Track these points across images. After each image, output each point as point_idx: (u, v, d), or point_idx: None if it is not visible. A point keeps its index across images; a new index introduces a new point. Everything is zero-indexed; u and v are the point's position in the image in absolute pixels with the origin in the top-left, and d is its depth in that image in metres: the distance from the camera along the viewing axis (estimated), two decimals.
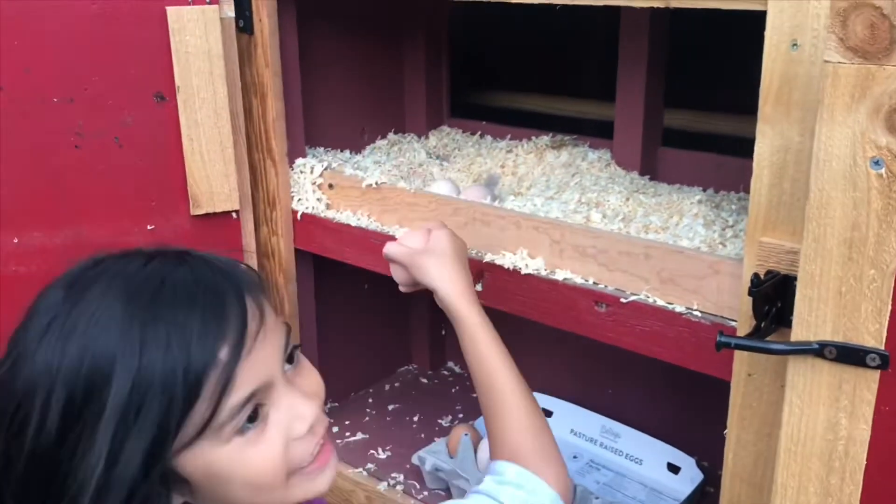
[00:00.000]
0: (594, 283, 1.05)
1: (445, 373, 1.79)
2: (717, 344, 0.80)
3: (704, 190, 1.27)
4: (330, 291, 1.54)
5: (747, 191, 0.86)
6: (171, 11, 1.19)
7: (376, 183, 1.28)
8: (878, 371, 0.71)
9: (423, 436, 1.54)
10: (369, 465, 1.46)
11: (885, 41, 0.64)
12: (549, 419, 1.53)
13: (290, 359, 0.71)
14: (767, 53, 0.80)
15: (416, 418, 1.61)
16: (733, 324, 0.92)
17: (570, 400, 1.53)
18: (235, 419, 0.63)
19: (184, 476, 0.64)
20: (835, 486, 0.75)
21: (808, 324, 0.74)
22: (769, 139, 0.82)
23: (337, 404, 1.65)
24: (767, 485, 0.89)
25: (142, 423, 0.58)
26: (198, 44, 1.22)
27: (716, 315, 0.95)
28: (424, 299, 1.72)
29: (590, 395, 1.54)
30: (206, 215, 1.29)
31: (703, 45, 1.48)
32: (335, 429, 1.57)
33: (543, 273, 1.09)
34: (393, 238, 1.24)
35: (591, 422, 1.49)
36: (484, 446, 1.33)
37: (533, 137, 1.53)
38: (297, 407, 0.68)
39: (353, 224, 1.30)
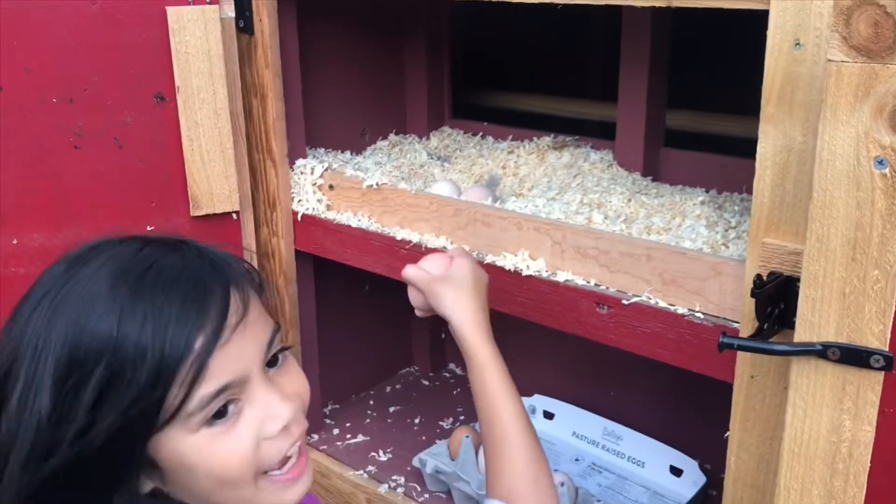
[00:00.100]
0: (596, 284, 1.05)
1: (446, 375, 1.78)
2: (720, 345, 0.79)
3: (707, 191, 1.27)
4: (330, 293, 1.54)
5: (750, 192, 0.85)
6: (172, 12, 1.19)
7: (377, 184, 1.27)
8: (882, 372, 0.70)
9: (423, 438, 1.54)
10: (370, 468, 1.45)
11: (889, 40, 0.64)
12: (550, 421, 1.53)
13: (275, 359, 0.71)
14: (770, 53, 0.79)
15: (416, 420, 1.60)
16: (736, 325, 0.91)
17: (572, 402, 1.53)
18: (205, 410, 0.64)
19: (154, 460, 0.65)
20: (838, 489, 0.75)
21: (811, 325, 0.73)
22: (772, 139, 0.81)
23: (338, 406, 1.65)
24: (770, 488, 0.89)
25: (115, 399, 0.60)
26: (198, 44, 1.21)
27: (718, 317, 0.94)
28: None
29: (592, 397, 1.54)
30: (207, 216, 1.28)
31: (706, 46, 1.48)
32: (335, 431, 1.56)
33: (545, 274, 1.08)
34: (394, 240, 1.24)
35: (593, 424, 1.49)
36: None
37: (534, 138, 1.52)
38: (273, 406, 0.68)
39: (354, 225, 1.30)
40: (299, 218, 1.37)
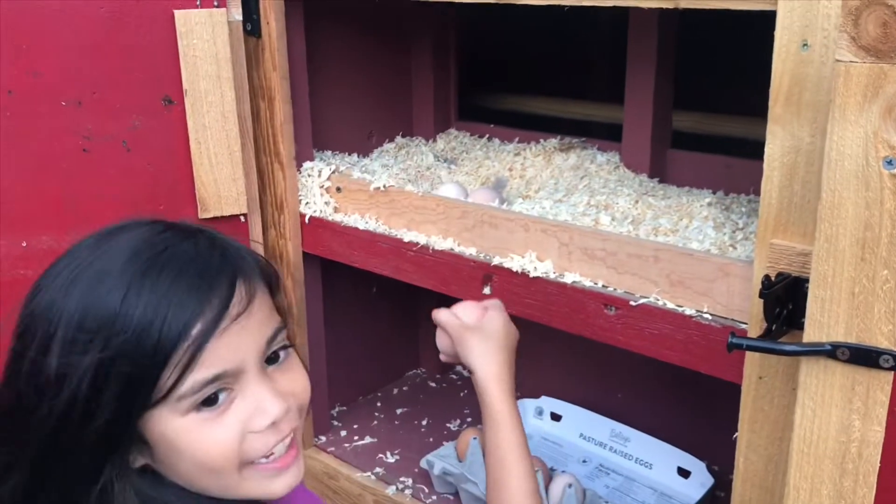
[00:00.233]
0: (603, 286, 1.05)
1: (454, 377, 1.78)
2: (729, 345, 0.79)
3: (714, 192, 1.27)
4: (338, 295, 1.54)
5: (757, 193, 0.85)
6: (179, 15, 1.20)
7: (384, 186, 1.28)
8: (892, 372, 0.70)
9: (431, 440, 1.54)
10: (378, 469, 1.45)
11: None
12: (558, 423, 1.53)
13: (276, 356, 0.72)
14: (777, 54, 0.80)
15: (424, 422, 1.60)
16: (744, 326, 0.91)
17: (580, 404, 1.53)
18: (196, 395, 0.65)
19: (145, 437, 0.67)
20: (848, 489, 0.75)
21: (820, 325, 0.73)
22: (779, 140, 0.81)
23: (345, 408, 1.65)
24: (779, 488, 0.89)
25: (112, 370, 0.63)
26: (205, 47, 1.22)
27: (726, 318, 0.94)
28: (432, 302, 1.71)
29: (599, 398, 1.53)
30: (214, 218, 1.29)
31: (712, 47, 1.48)
32: (343, 432, 1.56)
33: (552, 276, 1.09)
34: (401, 242, 1.24)
35: (601, 426, 1.49)
36: None
37: (541, 140, 1.53)
38: (263, 401, 0.69)
39: (361, 227, 1.30)
40: (307, 220, 1.37)
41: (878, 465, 0.73)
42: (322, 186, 1.36)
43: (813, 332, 0.74)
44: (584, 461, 1.45)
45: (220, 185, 1.27)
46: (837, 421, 0.74)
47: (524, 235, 1.11)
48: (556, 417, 1.55)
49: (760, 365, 0.87)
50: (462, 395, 1.70)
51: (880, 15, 0.64)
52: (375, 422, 1.61)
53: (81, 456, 0.65)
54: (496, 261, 1.13)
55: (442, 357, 1.05)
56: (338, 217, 1.35)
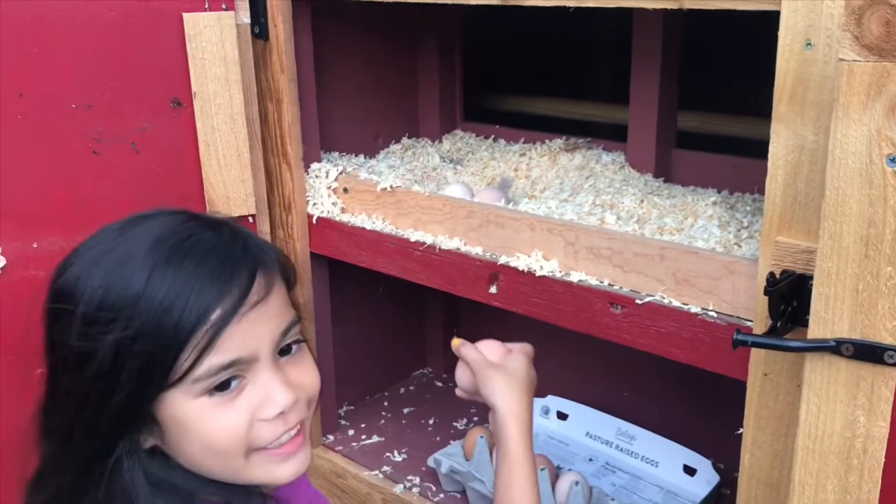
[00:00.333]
0: (609, 284, 1.06)
1: None
2: (734, 342, 0.80)
3: (718, 191, 1.27)
4: (345, 295, 1.55)
5: (761, 192, 0.86)
6: (188, 18, 1.21)
7: (391, 187, 1.29)
8: None
9: (438, 438, 1.55)
10: (385, 468, 1.46)
11: None
12: (564, 422, 1.54)
13: (289, 348, 0.73)
14: (781, 53, 0.80)
15: (431, 421, 1.61)
16: (749, 324, 0.92)
17: (586, 402, 1.53)
18: (211, 378, 0.67)
19: (156, 418, 0.69)
20: (853, 484, 0.75)
21: (824, 321, 0.74)
22: (784, 139, 0.82)
23: (353, 407, 1.66)
24: (784, 485, 0.89)
25: (132, 349, 0.65)
26: (214, 50, 1.23)
27: (731, 315, 0.95)
28: (439, 302, 1.72)
29: (605, 397, 1.54)
30: None
31: (716, 47, 1.48)
32: (350, 431, 1.57)
33: (558, 275, 1.09)
34: (408, 242, 1.25)
35: (607, 424, 1.49)
36: None
37: (546, 140, 1.53)
38: (273, 391, 0.70)
39: (368, 228, 1.31)
40: (314, 221, 1.38)
41: (883, 460, 0.73)
42: (329, 187, 1.37)
43: (817, 328, 0.74)
44: (591, 459, 1.46)
45: (229, 186, 1.28)
46: (842, 417, 0.75)
47: (530, 235, 1.12)
48: (562, 416, 1.55)
49: (765, 362, 0.88)
50: None
51: (883, 14, 0.65)
52: (383, 421, 1.62)
53: (101, 427, 0.67)
54: (502, 260, 1.14)
55: (458, 392, 1.06)
56: (345, 217, 1.36)
